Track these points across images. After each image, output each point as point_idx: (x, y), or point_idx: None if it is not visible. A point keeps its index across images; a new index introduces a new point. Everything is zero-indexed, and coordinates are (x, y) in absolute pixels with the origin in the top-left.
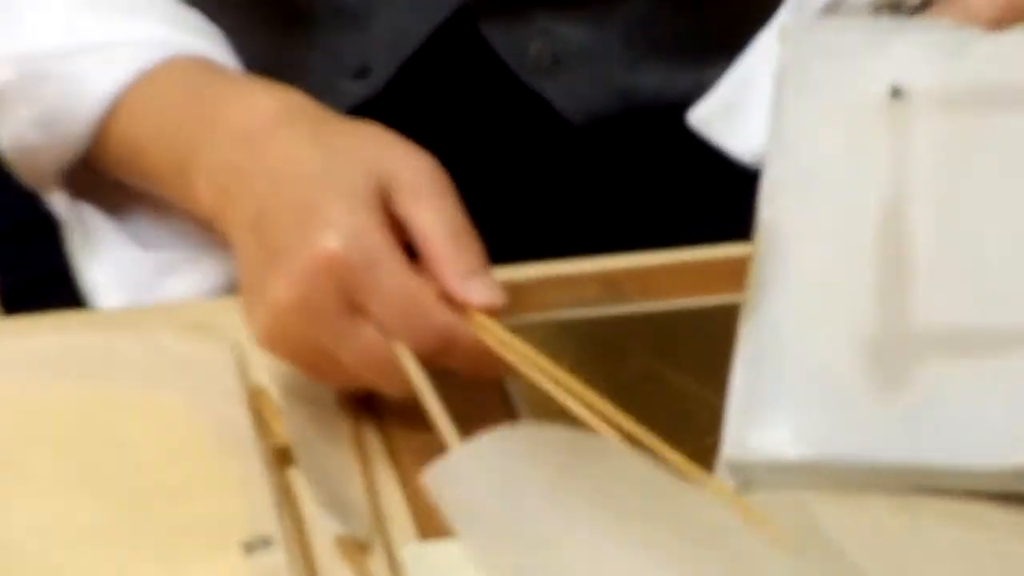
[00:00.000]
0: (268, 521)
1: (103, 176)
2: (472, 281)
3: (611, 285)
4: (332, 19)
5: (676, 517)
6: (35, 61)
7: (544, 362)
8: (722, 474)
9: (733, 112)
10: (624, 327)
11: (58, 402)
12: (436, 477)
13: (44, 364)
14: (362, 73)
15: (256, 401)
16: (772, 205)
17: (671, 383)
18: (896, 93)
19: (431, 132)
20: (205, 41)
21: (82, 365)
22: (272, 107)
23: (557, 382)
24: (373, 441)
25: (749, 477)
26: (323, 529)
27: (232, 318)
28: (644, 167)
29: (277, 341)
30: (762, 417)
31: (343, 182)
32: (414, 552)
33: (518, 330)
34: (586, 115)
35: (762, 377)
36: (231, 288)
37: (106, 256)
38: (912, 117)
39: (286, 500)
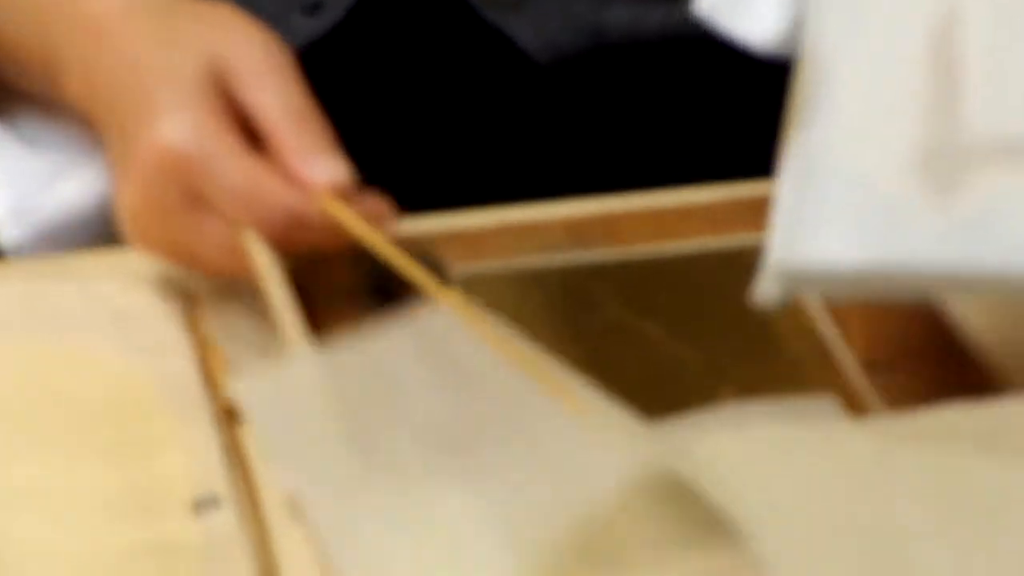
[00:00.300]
0: (217, 479)
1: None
2: (315, 160)
3: (577, 232)
4: None
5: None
6: None
7: (387, 239)
8: (766, 284)
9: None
10: (591, 276)
11: None
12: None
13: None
14: (313, 8)
15: (205, 355)
16: (818, 22)
17: (640, 333)
18: None
19: (388, 73)
20: None
21: (16, 317)
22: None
23: (404, 260)
24: None
25: (798, 287)
26: (274, 487)
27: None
28: (613, 109)
29: (139, 240)
30: (814, 226)
31: (177, 72)
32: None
33: (477, 279)
34: (552, 53)
35: (811, 188)
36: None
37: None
38: None
39: (235, 459)
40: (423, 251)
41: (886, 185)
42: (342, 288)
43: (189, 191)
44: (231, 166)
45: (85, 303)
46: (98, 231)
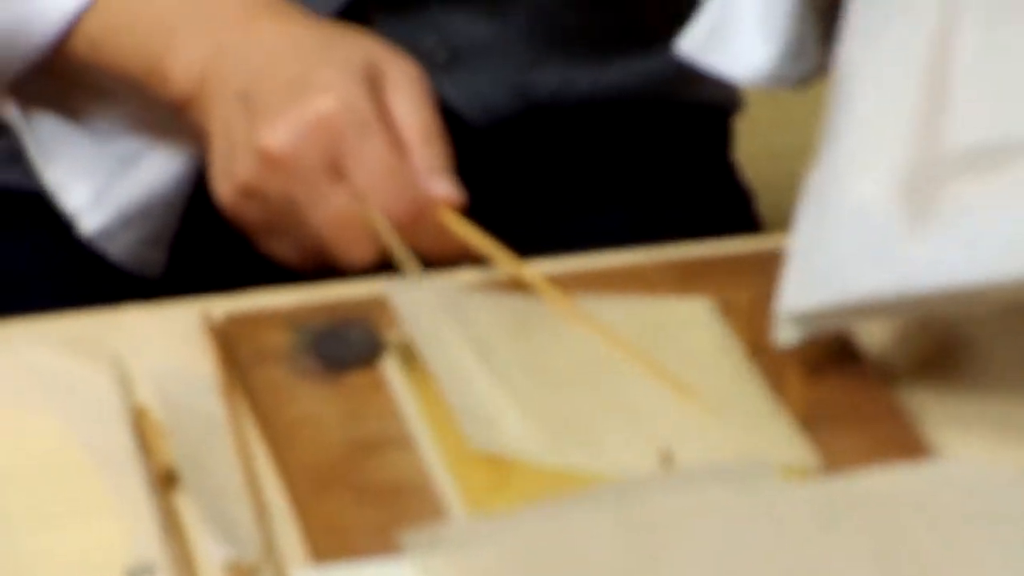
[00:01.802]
0: (151, 547)
1: (54, 77)
2: (440, 177)
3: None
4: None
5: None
6: None
7: (500, 249)
8: (785, 327)
9: (720, 35)
10: None
11: None
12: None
13: None
14: None
15: (139, 420)
16: (843, 49)
17: None
18: None
19: None
20: None
21: None
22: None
23: (513, 264)
24: (263, 462)
25: (812, 328)
26: (211, 554)
27: (113, 331)
28: (549, 167)
29: (251, 191)
30: (814, 273)
31: (340, 58)
32: None
33: None
34: (486, 115)
35: (819, 232)
36: (188, 181)
37: (64, 155)
38: None
39: (171, 524)
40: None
41: (878, 215)
42: (280, 352)
43: (332, 158)
44: (379, 144)
45: (12, 369)
46: (175, 211)
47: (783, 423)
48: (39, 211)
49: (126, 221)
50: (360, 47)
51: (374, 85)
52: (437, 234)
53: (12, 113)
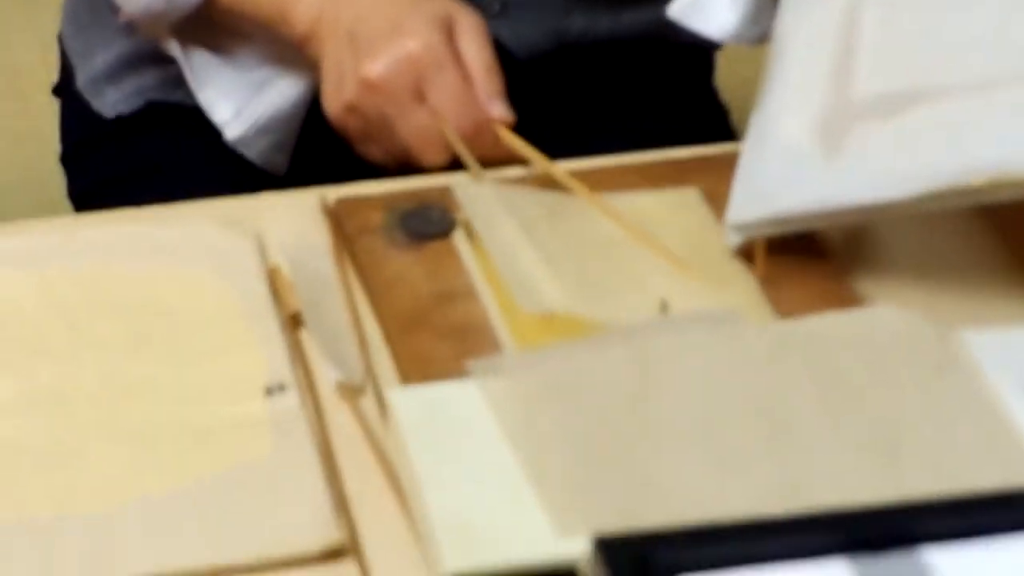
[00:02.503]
0: (283, 371)
1: (206, 20)
2: (496, 100)
3: (547, 185)
4: None
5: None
6: None
7: (538, 154)
8: (729, 232)
9: (700, 3)
10: None
11: (116, 280)
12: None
13: (107, 250)
14: None
15: (273, 278)
16: (780, 15)
17: None
18: None
19: None
20: None
21: (136, 250)
22: None
23: (547, 165)
24: (364, 309)
25: (747, 233)
26: (327, 377)
27: (255, 213)
28: (574, 93)
29: (354, 109)
30: (756, 191)
31: (424, 9)
32: (397, 394)
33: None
34: (528, 51)
35: (754, 161)
36: (307, 101)
37: (212, 80)
38: None
39: (297, 355)
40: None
41: (800, 152)
42: (377, 227)
43: (416, 85)
44: (454, 75)
45: (185, 239)
46: (296, 125)
47: (749, 282)
48: (200, 122)
49: (259, 131)
50: (440, 4)
51: (449, 31)
52: (493, 143)
53: (175, 49)
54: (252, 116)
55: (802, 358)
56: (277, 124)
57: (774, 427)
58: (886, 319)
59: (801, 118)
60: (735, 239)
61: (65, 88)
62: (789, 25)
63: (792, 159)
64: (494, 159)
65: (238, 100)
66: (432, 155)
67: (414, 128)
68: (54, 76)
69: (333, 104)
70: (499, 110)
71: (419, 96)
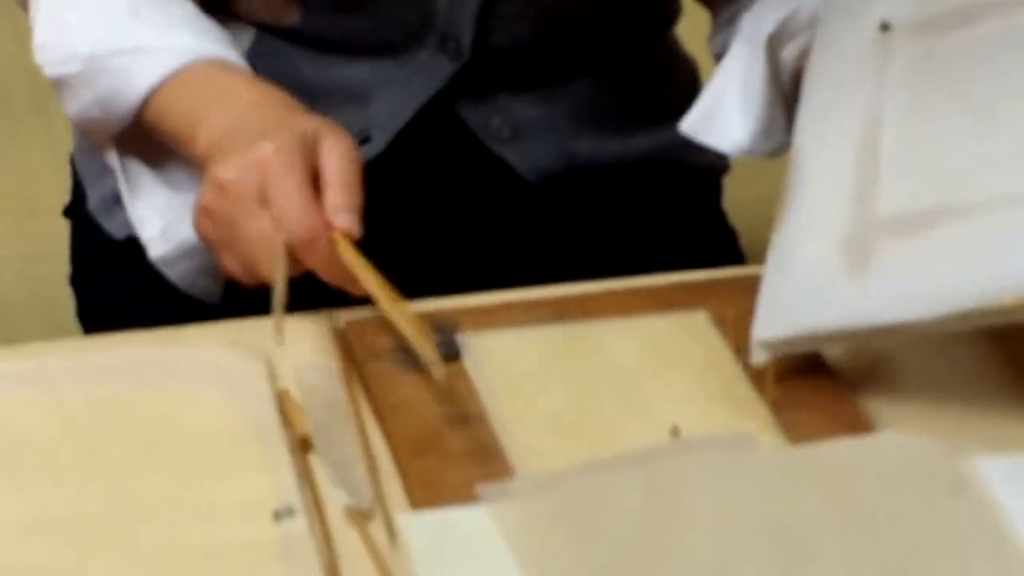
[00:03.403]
0: (292, 495)
1: (146, 138)
2: (343, 212)
3: (558, 308)
4: (340, 97)
5: None
6: (97, 59)
7: (377, 277)
8: (755, 350)
9: (711, 119)
10: None
11: (127, 402)
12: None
13: (118, 373)
14: (364, 140)
15: (282, 401)
16: (798, 135)
17: None
18: (884, 27)
19: (420, 188)
20: (223, 48)
21: (146, 373)
22: (269, 93)
23: (383, 291)
24: (374, 432)
25: (774, 351)
26: (335, 501)
27: (264, 335)
28: (583, 215)
29: (208, 212)
30: (780, 310)
31: (294, 125)
32: (407, 519)
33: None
34: (537, 175)
35: (779, 280)
36: None
37: (144, 196)
38: (894, 44)
39: (306, 479)
40: (438, 322)
41: (825, 271)
42: (387, 350)
43: (262, 190)
44: (293, 183)
45: (194, 363)
46: None
47: (760, 407)
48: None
49: (183, 253)
50: (312, 121)
51: (312, 144)
52: (331, 256)
53: (114, 159)
54: (177, 237)
55: (815, 486)
56: (203, 249)
57: (788, 557)
58: (898, 446)
59: (825, 236)
60: (761, 357)
61: (76, 209)
62: (807, 144)
63: (817, 278)
64: (330, 277)
65: (167, 218)
66: (268, 266)
67: (254, 233)
68: (65, 198)
69: (195, 212)
70: (343, 221)
71: (264, 201)
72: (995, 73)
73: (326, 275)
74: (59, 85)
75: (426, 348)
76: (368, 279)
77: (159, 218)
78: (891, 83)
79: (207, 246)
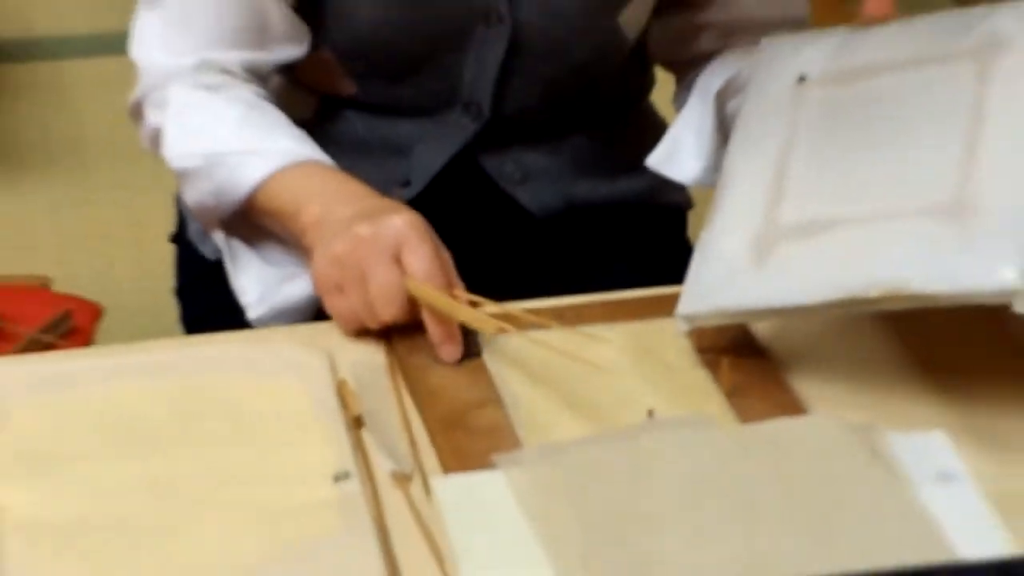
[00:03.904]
0: (348, 462)
1: (247, 222)
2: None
3: (557, 316)
4: (387, 150)
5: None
6: (216, 156)
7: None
8: (679, 322)
9: (672, 156)
10: None
11: (217, 388)
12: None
13: (210, 364)
14: (405, 184)
15: (340, 388)
16: (727, 157)
17: None
18: (801, 79)
19: (449, 222)
20: (314, 150)
21: (233, 365)
22: (348, 181)
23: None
24: (412, 413)
25: (694, 323)
26: (383, 467)
27: (327, 336)
28: (578, 243)
29: (339, 260)
30: (700, 290)
31: (401, 211)
32: (439, 482)
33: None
34: (543, 211)
35: (702, 267)
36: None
37: (246, 270)
38: (807, 93)
39: (359, 449)
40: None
41: (736, 262)
42: (423, 348)
43: (397, 248)
44: (429, 249)
45: (272, 357)
46: (306, 314)
47: (717, 394)
48: None
49: (276, 315)
50: (396, 210)
51: (419, 229)
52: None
53: (220, 239)
54: (271, 302)
55: (761, 457)
56: (292, 312)
57: (738, 513)
58: (825, 424)
59: (738, 236)
60: (683, 327)
61: (180, 237)
62: (734, 165)
63: (729, 268)
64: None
65: (263, 288)
66: (387, 306)
67: (384, 278)
68: (171, 228)
69: (321, 259)
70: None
71: (396, 257)
72: (884, 117)
73: (434, 332)
74: (182, 176)
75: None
76: (441, 302)
77: (256, 286)
78: (802, 122)
79: (322, 289)
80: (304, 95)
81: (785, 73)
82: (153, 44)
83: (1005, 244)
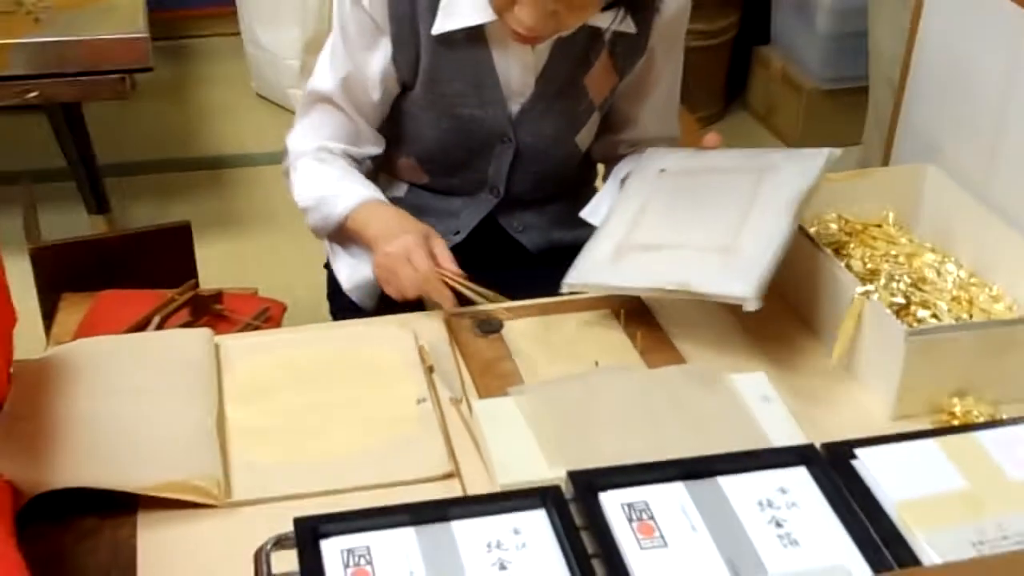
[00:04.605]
0: (425, 392)
1: (343, 234)
2: (450, 263)
3: (544, 309)
4: (445, 214)
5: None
6: (321, 198)
7: (480, 290)
8: (564, 286)
9: (595, 211)
10: None
11: (350, 351)
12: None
13: (347, 338)
14: (456, 233)
15: (420, 350)
16: (614, 204)
17: None
18: (662, 171)
19: (481, 254)
20: (378, 194)
21: (360, 339)
22: (400, 212)
23: (486, 297)
24: (462, 364)
25: (574, 289)
26: (445, 395)
27: (413, 321)
28: (557, 267)
29: (380, 265)
30: (582, 270)
31: (416, 230)
32: (477, 403)
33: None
34: (536, 250)
35: (585, 258)
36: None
37: (341, 260)
38: (665, 179)
39: (431, 385)
40: (491, 316)
41: (603, 258)
42: (468, 327)
43: (407, 255)
44: (423, 252)
45: (379, 333)
46: (375, 289)
47: (634, 353)
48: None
49: (356, 287)
50: (424, 226)
51: (427, 238)
52: (447, 286)
53: (326, 245)
54: (355, 279)
55: (660, 389)
56: (365, 285)
57: (647, 419)
58: (696, 370)
59: (608, 244)
60: (565, 290)
61: (329, 265)
62: (617, 207)
63: (597, 261)
64: (441, 296)
65: (349, 271)
66: (413, 294)
67: (404, 275)
68: (324, 259)
69: (378, 255)
70: (452, 267)
71: (408, 261)
72: (702, 195)
73: (437, 296)
74: (304, 211)
75: (491, 297)
76: (463, 288)
77: (346, 270)
78: (657, 192)
79: (379, 281)
80: (400, 183)
81: (653, 167)
82: (295, 137)
83: (745, 273)
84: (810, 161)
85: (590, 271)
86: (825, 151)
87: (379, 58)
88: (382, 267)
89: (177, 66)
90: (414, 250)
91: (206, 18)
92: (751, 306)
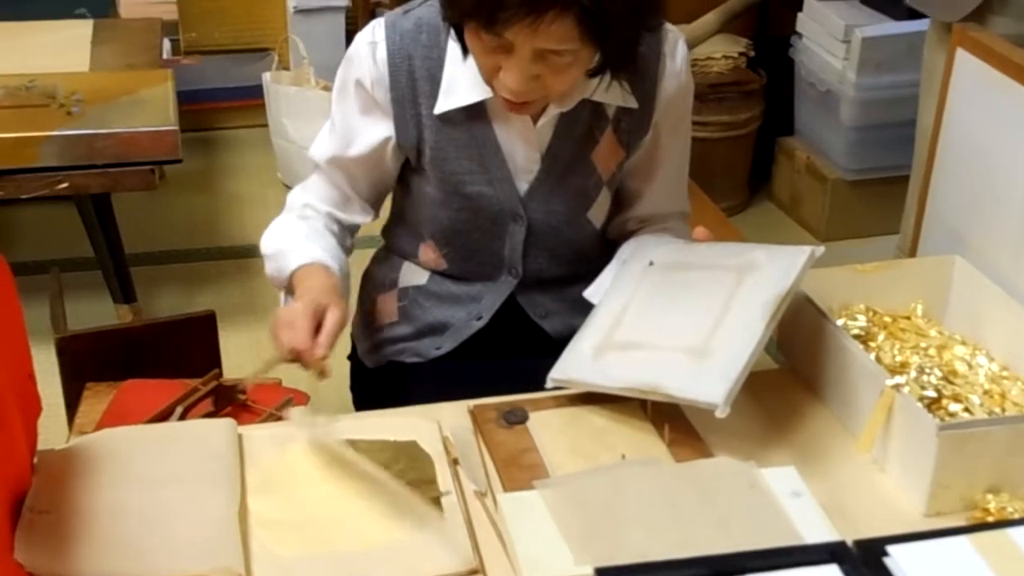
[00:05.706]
0: (449, 484)
1: (290, 287)
2: (322, 346)
3: (571, 400)
4: (467, 299)
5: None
6: (279, 251)
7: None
8: (549, 382)
9: (597, 290)
10: None
11: (375, 445)
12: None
13: (371, 429)
14: (479, 318)
15: (445, 442)
16: (603, 299)
17: None
18: (651, 264)
19: (502, 339)
20: (328, 258)
21: (383, 429)
22: (328, 281)
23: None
24: (486, 456)
25: (556, 383)
26: (469, 488)
27: (437, 412)
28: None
29: (273, 327)
30: (564, 367)
31: (312, 300)
32: (502, 497)
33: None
34: (558, 336)
35: (571, 352)
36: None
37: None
38: (652, 273)
39: (455, 476)
40: (517, 406)
41: (585, 356)
42: (492, 418)
43: (290, 322)
44: (304, 323)
45: (403, 424)
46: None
47: (661, 446)
48: (411, 372)
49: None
50: (329, 298)
51: (320, 309)
52: (315, 363)
53: (281, 294)
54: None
55: (687, 483)
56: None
57: (675, 514)
58: (726, 463)
59: (590, 342)
60: (550, 384)
61: (353, 356)
62: (604, 302)
63: (580, 358)
64: (316, 369)
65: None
66: (286, 356)
67: (285, 340)
68: (348, 351)
69: (279, 311)
70: (321, 351)
71: (290, 327)
72: (683, 292)
73: (309, 367)
74: (264, 258)
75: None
76: (322, 368)
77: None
78: (642, 286)
79: (273, 327)
80: (422, 271)
81: (644, 258)
82: (294, 193)
83: (718, 378)
84: (792, 259)
85: (572, 368)
86: (808, 249)
87: (377, 134)
88: (272, 324)
89: (205, 157)
90: (298, 318)
91: (234, 110)
92: (720, 413)
